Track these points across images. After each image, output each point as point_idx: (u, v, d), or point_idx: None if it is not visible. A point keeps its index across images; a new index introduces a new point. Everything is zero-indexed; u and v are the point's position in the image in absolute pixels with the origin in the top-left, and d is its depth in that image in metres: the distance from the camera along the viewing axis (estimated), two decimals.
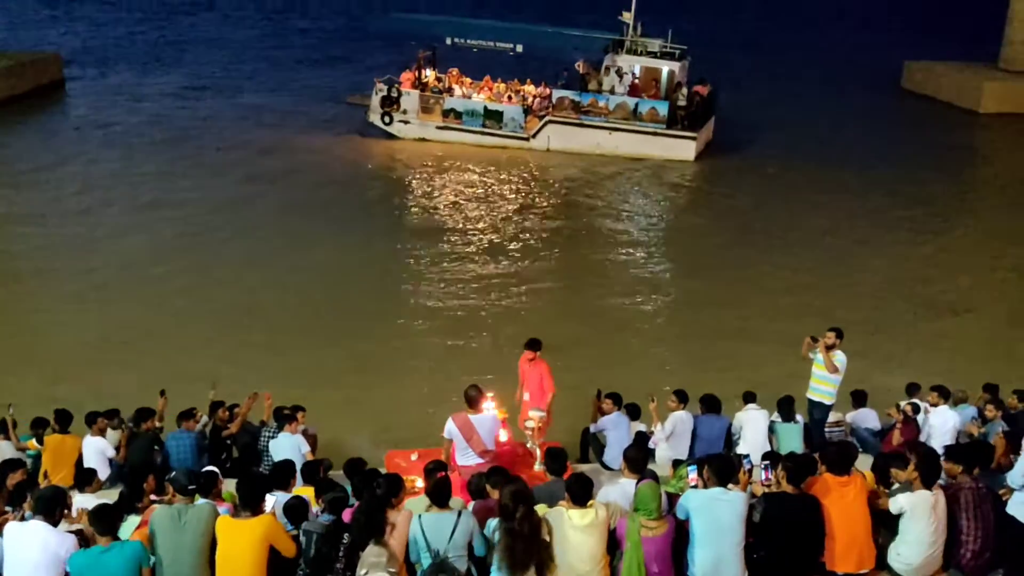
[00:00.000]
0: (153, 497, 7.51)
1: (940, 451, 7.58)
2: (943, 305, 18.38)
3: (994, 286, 19.81)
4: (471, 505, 7.04)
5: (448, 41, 29.60)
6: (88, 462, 9.58)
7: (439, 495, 6.52)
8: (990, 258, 21.46)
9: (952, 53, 42.19)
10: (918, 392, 11.30)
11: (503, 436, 9.35)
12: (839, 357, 10.39)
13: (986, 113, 36.02)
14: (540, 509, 6.51)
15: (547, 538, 6.30)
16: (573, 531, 6.33)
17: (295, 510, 6.84)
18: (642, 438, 10.31)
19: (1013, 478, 5.88)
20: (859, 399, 11.69)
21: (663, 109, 27.73)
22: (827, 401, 10.64)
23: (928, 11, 66.53)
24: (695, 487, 6.84)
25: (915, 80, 40.77)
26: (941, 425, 9.99)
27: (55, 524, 6.23)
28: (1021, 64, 37.83)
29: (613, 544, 6.54)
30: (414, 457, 9.42)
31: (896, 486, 6.84)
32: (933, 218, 23.90)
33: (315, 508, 7.09)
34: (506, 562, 6.17)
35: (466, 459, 8.54)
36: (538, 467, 9.11)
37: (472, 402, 8.55)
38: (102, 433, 10.17)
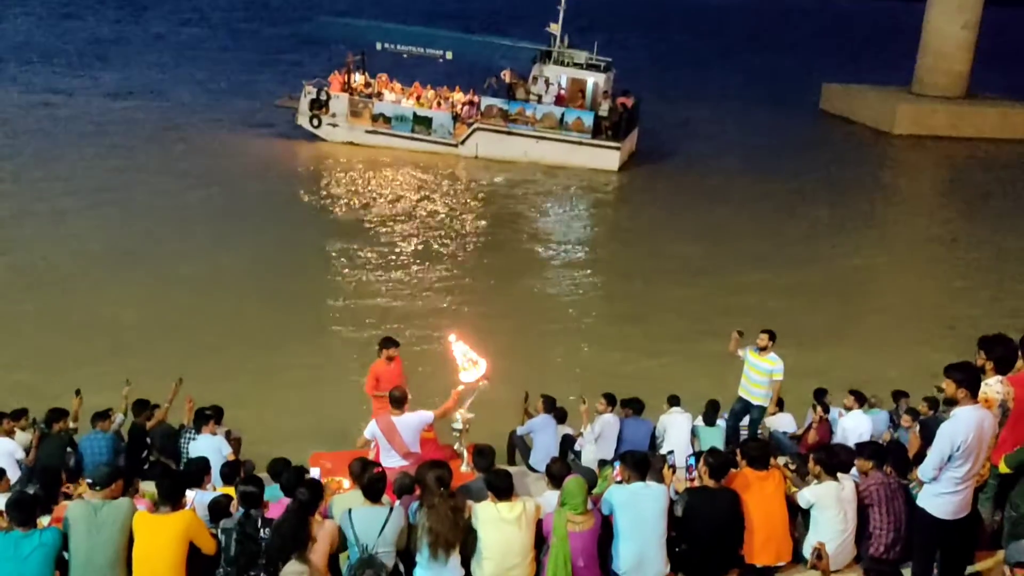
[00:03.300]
0: (66, 491, 7.26)
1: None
2: (865, 308, 19.06)
3: (900, 290, 20.77)
4: (397, 502, 6.98)
5: (378, 46, 29.48)
6: None
7: (373, 490, 6.44)
8: (901, 261, 22.69)
9: (869, 78, 43.80)
10: (825, 397, 11.63)
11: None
12: (773, 359, 10.65)
13: (899, 135, 37.50)
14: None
15: (474, 527, 6.29)
16: (503, 524, 6.34)
17: (219, 507, 6.68)
18: (568, 442, 10.38)
19: (923, 471, 6.12)
20: (778, 404, 11.95)
21: (588, 119, 28.10)
22: (758, 402, 10.82)
23: (848, 38, 69.00)
24: (619, 482, 6.94)
25: (832, 102, 42.15)
26: (854, 428, 10.25)
27: None
28: (932, 89, 39.46)
29: (539, 538, 6.57)
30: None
31: (814, 481, 7.05)
32: (848, 227, 24.88)
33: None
34: (429, 543, 6.15)
35: (390, 460, 8.45)
36: (464, 468, 9.07)
37: (396, 403, 8.49)
38: (9, 434, 9.74)
